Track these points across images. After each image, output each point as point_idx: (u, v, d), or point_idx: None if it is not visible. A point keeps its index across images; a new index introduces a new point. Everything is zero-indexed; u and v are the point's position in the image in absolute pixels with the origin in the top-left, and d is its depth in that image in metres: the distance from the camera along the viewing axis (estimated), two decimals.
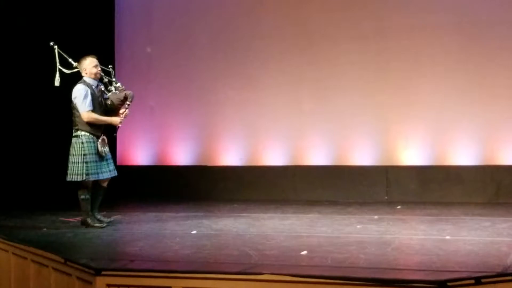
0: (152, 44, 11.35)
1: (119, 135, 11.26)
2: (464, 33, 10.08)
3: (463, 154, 10.09)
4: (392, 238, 7.19)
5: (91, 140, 7.95)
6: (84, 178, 7.90)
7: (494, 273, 5.31)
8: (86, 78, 8.05)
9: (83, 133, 7.95)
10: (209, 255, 6.45)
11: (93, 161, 7.92)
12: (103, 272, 5.69)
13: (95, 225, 8.02)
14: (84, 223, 8.06)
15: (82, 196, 8.00)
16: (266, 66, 10.86)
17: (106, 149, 8.05)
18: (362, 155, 10.47)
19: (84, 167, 7.88)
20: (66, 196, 9.63)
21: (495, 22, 9.98)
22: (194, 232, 7.69)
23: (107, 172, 8.06)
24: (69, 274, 6.01)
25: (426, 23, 10.18)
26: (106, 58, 11.03)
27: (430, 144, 10.22)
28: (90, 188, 8.02)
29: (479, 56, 10.03)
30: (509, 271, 5.46)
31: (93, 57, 8.12)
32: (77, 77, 8.09)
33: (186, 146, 11.11)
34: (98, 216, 8.15)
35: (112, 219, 8.33)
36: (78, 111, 7.95)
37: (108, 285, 5.66)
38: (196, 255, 6.45)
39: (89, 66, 8.05)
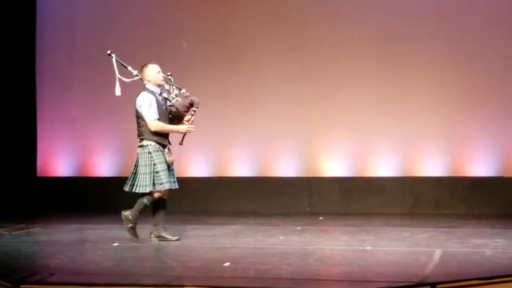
0: (74, 52, 11.19)
1: (39, 145, 11.15)
2: (384, 46, 10.26)
3: (383, 166, 10.26)
4: (314, 249, 7.26)
5: (158, 149, 7.60)
6: (152, 189, 7.54)
7: (413, 283, 5.41)
8: (149, 85, 7.71)
9: (149, 142, 7.60)
10: (131, 268, 6.40)
11: (163, 170, 7.57)
12: (22, 286, 5.57)
13: (133, 237, 7.74)
14: (128, 229, 7.73)
15: (147, 202, 7.65)
16: (190, 76, 10.80)
17: (172, 158, 7.72)
18: (285, 167, 10.54)
19: (155, 177, 7.54)
20: None
21: (413, 36, 10.19)
22: (116, 244, 7.60)
23: (173, 183, 7.73)
24: None
25: (348, 36, 10.33)
26: (27, 66, 11.00)
27: (352, 155, 10.36)
28: (154, 198, 7.66)
29: (399, 68, 10.22)
30: (427, 281, 5.57)
31: (154, 63, 7.79)
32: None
33: (109, 157, 10.99)
34: (163, 234, 7.71)
35: (178, 238, 7.81)
36: (143, 120, 7.62)
37: None
38: (117, 268, 6.38)
39: (152, 72, 7.71)
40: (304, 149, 10.51)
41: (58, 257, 6.94)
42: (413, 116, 10.19)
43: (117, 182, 10.77)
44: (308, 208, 10.41)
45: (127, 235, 7.75)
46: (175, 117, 7.79)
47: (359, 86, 10.35)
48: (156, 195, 7.63)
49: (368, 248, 7.22)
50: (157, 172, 7.55)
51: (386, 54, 10.27)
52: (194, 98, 7.77)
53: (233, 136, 10.70)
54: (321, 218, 9.67)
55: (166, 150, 7.67)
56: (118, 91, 7.83)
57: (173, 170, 7.75)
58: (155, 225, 7.75)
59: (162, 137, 7.67)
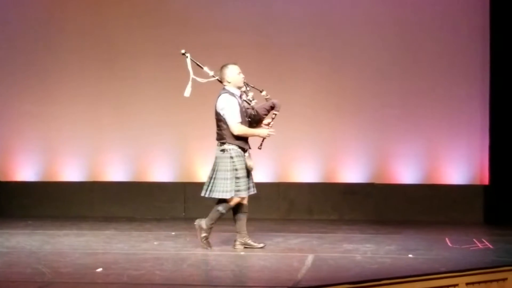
0: None
1: None
2: (259, 53, 10.36)
3: (258, 171, 10.30)
4: (189, 254, 7.28)
5: (240, 154, 7.28)
6: (233, 195, 7.24)
7: None
8: (229, 87, 7.36)
9: (231, 146, 7.26)
10: None
11: (243, 177, 7.27)
12: None
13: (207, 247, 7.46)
14: (201, 239, 7.47)
15: (223, 211, 7.35)
16: (64, 79, 10.65)
17: (252, 163, 7.40)
18: (160, 172, 10.50)
19: (235, 183, 7.22)
20: None
21: (288, 43, 10.33)
22: None
23: (253, 188, 7.46)
24: None
25: (224, 42, 10.36)
26: None
27: None
28: (231, 205, 7.35)
29: (274, 75, 10.32)
30: (299, 286, 5.67)
31: (235, 64, 7.44)
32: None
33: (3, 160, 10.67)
34: (248, 241, 7.46)
35: (263, 245, 7.58)
36: (225, 123, 7.27)
37: None
38: None
39: (232, 73, 7.37)
40: (180, 154, 10.50)
41: None
42: (287, 123, 10.29)
43: None
44: (183, 213, 10.40)
45: (201, 245, 7.49)
46: (253, 120, 7.54)
47: None
48: (233, 202, 7.37)
49: (242, 253, 7.30)
50: (237, 178, 7.29)
51: (261, 61, 10.37)
52: (275, 101, 7.54)
53: (108, 140, 10.57)
54: (195, 223, 9.67)
55: (246, 154, 7.42)
56: (187, 92, 7.48)
57: (251, 174, 7.50)
58: (238, 232, 7.50)
59: (243, 141, 7.40)
